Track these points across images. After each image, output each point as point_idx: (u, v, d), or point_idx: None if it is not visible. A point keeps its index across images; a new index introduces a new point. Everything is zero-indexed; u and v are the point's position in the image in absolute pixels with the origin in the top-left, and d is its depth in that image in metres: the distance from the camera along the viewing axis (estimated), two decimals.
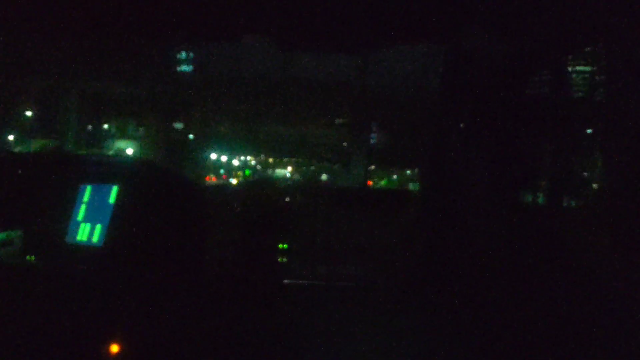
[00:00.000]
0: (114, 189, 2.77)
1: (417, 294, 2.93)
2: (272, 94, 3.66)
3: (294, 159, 4.00)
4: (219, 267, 3.03)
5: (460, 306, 2.72)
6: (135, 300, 2.53)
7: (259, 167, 3.93)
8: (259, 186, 3.52)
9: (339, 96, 3.78)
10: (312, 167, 4.00)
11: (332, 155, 3.99)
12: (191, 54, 3.53)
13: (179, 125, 3.80)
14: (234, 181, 3.69)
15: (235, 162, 3.92)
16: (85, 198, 2.85)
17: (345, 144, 4.02)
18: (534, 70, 3.13)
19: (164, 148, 3.75)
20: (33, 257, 2.77)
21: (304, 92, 3.69)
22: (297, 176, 3.89)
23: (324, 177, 3.99)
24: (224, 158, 3.87)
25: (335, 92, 3.70)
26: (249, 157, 3.95)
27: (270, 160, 3.91)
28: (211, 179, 3.66)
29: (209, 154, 3.80)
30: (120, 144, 3.88)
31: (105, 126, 3.94)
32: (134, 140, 3.91)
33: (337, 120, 3.94)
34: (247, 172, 3.89)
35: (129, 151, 3.89)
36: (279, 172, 3.89)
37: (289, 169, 3.92)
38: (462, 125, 3.16)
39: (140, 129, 3.93)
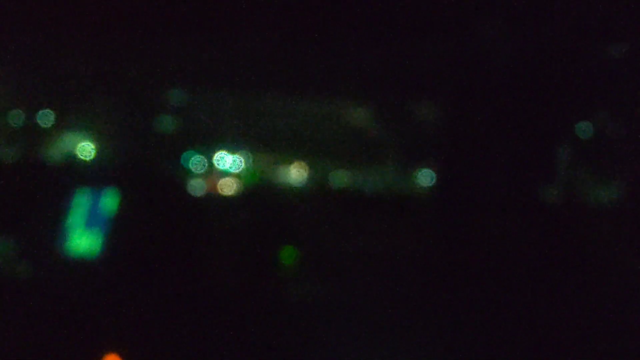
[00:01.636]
0: (112, 195, 2.81)
1: (431, 298, 2.87)
2: (276, 72, 3.30)
3: (302, 158, 3.73)
4: (219, 277, 3.00)
5: (473, 308, 2.70)
6: (133, 310, 2.54)
7: (255, 165, 3.58)
8: (257, 192, 3.43)
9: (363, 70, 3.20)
10: (331, 168, 3.74)
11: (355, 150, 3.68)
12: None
13: (156, 120, 3.12)
14: (227, 187, 3.48)
15: (227, 162, 3.53)
16: (82, 204, 2.85)
17: (375, 134, 3.64)
18: (552, 67, 3.09)
19: (130, 146, 3.09)
20: (25, 267, 2.76)
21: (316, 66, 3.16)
22: (307, 178, 3.71)
23: (340, 178, 3.78)
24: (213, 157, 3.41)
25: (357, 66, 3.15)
26: (245, 156, 3.55)
27: (272, 158, 3.63)
28: (210, 184, 3.51)
29: (195, 153, 3.39)
30: (68, 140, 3.10)
31: (46, 115, 3.00)
32: (88, 136, 3.09)
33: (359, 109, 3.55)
34: (251, 174, 3.54)
35: (82, 150, 3.04)
36: (285, 173, 3.72)
37: (297, 169, 3.73)
38: (476, 123, 3.10)
39: (97, 119, 3.07)
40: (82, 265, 2.73)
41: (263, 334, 2.65)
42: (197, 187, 3.26)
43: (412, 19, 3.06)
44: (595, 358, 2.52)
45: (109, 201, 2.81)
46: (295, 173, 3.59)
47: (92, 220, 2.81)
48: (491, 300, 2.67)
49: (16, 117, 3.04)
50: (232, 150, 3.46)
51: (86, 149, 3.06)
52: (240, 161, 3.43)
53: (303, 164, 3.60)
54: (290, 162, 3.63)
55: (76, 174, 2.98)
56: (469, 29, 3.05)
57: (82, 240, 2.78)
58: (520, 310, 2.63)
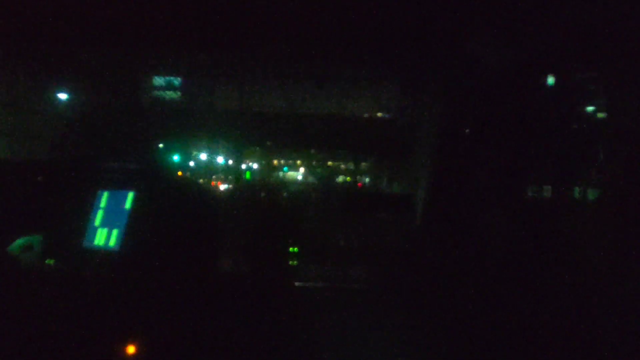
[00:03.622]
0: (130, 195, 2.84)
1: (425, 295, 2.95)
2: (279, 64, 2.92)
3: (305, 160, 3.56)
4: (231, 270, 3.07)
5: (466, 306, 2.74)
6: (151, 302, 2.58)
7: (255, 166, 3.39)
8: (260, 190, 3.44)
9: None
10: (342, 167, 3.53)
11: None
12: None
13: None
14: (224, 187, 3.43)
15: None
16: (103, 204, 2.91)
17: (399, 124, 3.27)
18: (539, 75, 3.12)
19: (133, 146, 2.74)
20: (52, 261, 2.81)
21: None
22: (310, 179, 3.62)
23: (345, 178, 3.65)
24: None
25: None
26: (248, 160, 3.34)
27: (275, 162, 3.55)
28: (217, 184, 3.49)
29: (182, 156, 3.16)
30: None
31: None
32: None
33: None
34: (248, 174, 3.50)
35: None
36: (291, 174, 3.70)
37: (301, 170, 3.64)
38: (467, 130, 3.15)
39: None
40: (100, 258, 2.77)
41: (268, 325, 2.70)
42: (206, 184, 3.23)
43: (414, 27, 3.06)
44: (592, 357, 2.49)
45: (127, 199, 2.83)
46: (301, 172, 3.58)
47: (110, 217, 2.85)
48: (490, 299, 2.71)
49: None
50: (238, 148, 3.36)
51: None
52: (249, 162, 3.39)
53: (308, 163, 3.60)
54: (296, 162, 3.60)
55: (135, 175, 2.99)
56: (465, 39, 3.07)
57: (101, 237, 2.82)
58: (518, 309, 2.64)
